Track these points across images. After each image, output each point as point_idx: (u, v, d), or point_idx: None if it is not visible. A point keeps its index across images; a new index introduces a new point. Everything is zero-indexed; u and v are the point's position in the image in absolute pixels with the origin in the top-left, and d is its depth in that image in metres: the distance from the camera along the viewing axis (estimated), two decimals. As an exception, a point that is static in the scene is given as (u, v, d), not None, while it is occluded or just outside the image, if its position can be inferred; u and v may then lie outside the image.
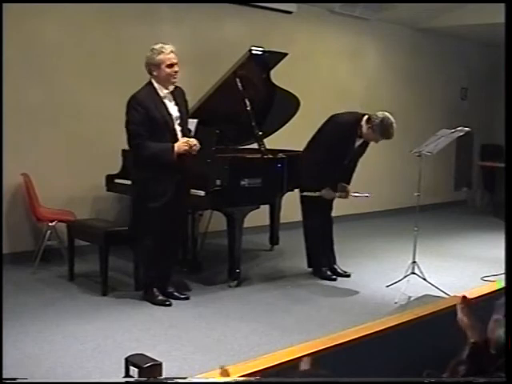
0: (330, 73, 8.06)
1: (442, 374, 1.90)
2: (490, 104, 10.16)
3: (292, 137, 6.30)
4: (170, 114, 4.54)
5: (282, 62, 5.55)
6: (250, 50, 5.20)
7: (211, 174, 4.90)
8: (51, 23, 5.74)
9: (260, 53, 5.22)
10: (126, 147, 5.88)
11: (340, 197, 5.34)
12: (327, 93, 7.91)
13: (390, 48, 8.78)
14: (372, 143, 5.27)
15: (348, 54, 8.26)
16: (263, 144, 5.34)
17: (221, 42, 6.85)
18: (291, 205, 6.65)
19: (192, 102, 5.70)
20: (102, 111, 6.10)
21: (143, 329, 4.13)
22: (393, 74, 8.89)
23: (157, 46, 4.51)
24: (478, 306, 2.16)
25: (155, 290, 4.65)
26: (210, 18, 6.82)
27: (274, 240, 6.52)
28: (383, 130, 4.97)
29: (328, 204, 5.44)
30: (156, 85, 4.53)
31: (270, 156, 5.23)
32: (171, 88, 4.58)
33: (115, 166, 5.88)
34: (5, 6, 4.72)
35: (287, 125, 5.90)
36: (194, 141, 4.53)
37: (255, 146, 5.42)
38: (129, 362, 1.83)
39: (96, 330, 4.06)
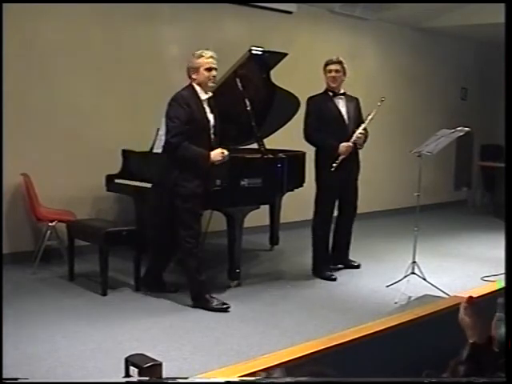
0: (330, 73, 8.05)
1: (442, 374, 1.90)
2: (490, 104, 10.16)
3: (292, 137, 6.30)
4: (208, 120, 4.61)
5: (282, 61, 5.55)
6: (250, 50, 5.20)
7: (211, 174, 4.89)
8: (51, 23, 5.74)
9: (260, 53, 5.22)
10: (126, 147, 5.95)
11: (356, 141, 5.31)
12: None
13: (389, 48, 8.78)
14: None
15: (348, 54, 8.23)
16: (263, 144, 5.34)
17: (221, 42, 6.83)
18: (291, 205, 6.67)
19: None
20: (102, 111, 6.10)
21: (143, 329, 4.13)
22: (393, 74, 8.89)
23: (198, 51, 4.62)
24: (484, 306, 2.16)
25: (207, 295, 4.60)
26: (210, 18, 6.82)
27: (273, 240, 6.52)
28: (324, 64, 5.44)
29: (351, 201, 5.57)
30: (197, 88, 4.60)
31: (270, 156, 5.23)
32: (210, 94, 4.63)
33: (115, 165, 5.88)
34: (5, 6, 4.73)
35: (287, 125, 5.90)
36: (226, 152, 4.58)
37: (255, 145, 5.42)
38: (129, 362, 1.83)
39: (96, 330, 4.07)
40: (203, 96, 4.61)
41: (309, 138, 5.41)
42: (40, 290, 4.93)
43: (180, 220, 4.53)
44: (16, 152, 5.46)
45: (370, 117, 5.38)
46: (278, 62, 5.53)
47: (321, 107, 5.36)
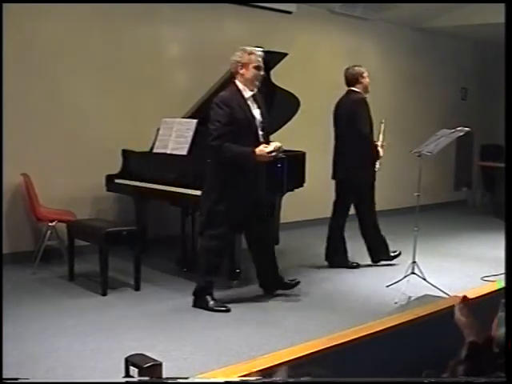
0: (329, 73, 8.05)
1: (442, 374, 1.90)
2: (490, 104, 10.16)
3: (292, 137, 6.30)
4: (253, 117, 4.52)
5: (282, 61, 5.55)
6: (250, 50, 5.19)
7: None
8: (51, 23, 5.75)
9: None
10: (126, 147, 5.95)
11: (382, 145, 5.82)
12: (327, 93, 7.90)
13: (390, 48, 8.78)
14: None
15: (348, 54, 8.26)
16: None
17: (221, 42, 6.84)
18: (291, 205, 6.66)
19: (192, 101, 5.72)
20: (102, 111, 6.10)
21: (143, 329, 4.13)
22: (393, 74, 8.89)
23: (248, 48, 4.56)
24: (479, 305, 2.16)
25: (208, 296, 4.57)
26: (210, 18, 6.82)
27: (273, 240, 6.50)
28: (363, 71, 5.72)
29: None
30: (240, 86, 4.51)
31: (270, 156, 5.22)
32: (255, 90, 4.56)
33: (115, 166, 5.89)
34: (5, 6, 4.73)
35: (287, 125, 5.90)
36: (274, 145, 4.46)
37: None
38: (129, 362, 1.83)
39: (96, 329, 4.07)
40: (247, 94, 4.51)
41: (367, 137, 5.63)
42: (40, 290, 4.93)
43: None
44: (16, 152, 5.47)
45: (381, 129, 5.80)
46: (278, 62, 5.53)
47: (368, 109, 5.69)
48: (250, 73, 4.48)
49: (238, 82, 4.51)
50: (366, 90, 5.70)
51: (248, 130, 4.46)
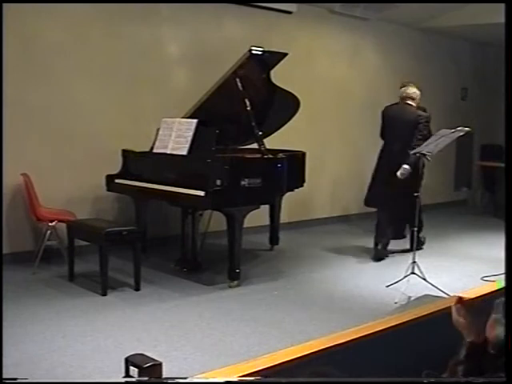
0: (329, 73, 8.07)
1: (442, 374, 1.90)
2: (490, 104, 10.16)
3: (292, 137, 6.31)
4: None
5: (282, 61, 5.55)
6: (250, 50, 5.20)
7: (211, 174, 4.90)
8: (51, 23, 5.75)
9: (260, 53, 5.22)
10: (126, 147, 5.95)
11: None
12: (327, 93, 7.92)
13: (390, 48, 8.78)
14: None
15: (348, 53, 8.27)
16: (263, 144, 5.34)
17: (221, 42, 6.85)
18: (291, 205, 6.67)
19: (192, 101, 5.72)
20: (102, 111, 6.10)
21: (143, 329, 4.13)
22: (393, 74, 8.88)
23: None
24: (478, 305, 2.16)
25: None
26: (210, 18, 6.82)
27: (274, 240, 6.52)
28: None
29: None
30: None
31: (270, 156, 5.23)
32: None
33: (115, 165, 5.88)
34: (5, 5, 4.73)
35: (287, 125, 5.91)
36: None
37: (255, 145, 5.43)
38: (129, 361, 1.83)
39: (96, 330, 4.07)
40: None
41: None
42: (40, 289, 4.93)
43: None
44: (16, 152, 5.47)
45: None
46: (278, 62, 5.53)
47: None
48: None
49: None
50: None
51: None
